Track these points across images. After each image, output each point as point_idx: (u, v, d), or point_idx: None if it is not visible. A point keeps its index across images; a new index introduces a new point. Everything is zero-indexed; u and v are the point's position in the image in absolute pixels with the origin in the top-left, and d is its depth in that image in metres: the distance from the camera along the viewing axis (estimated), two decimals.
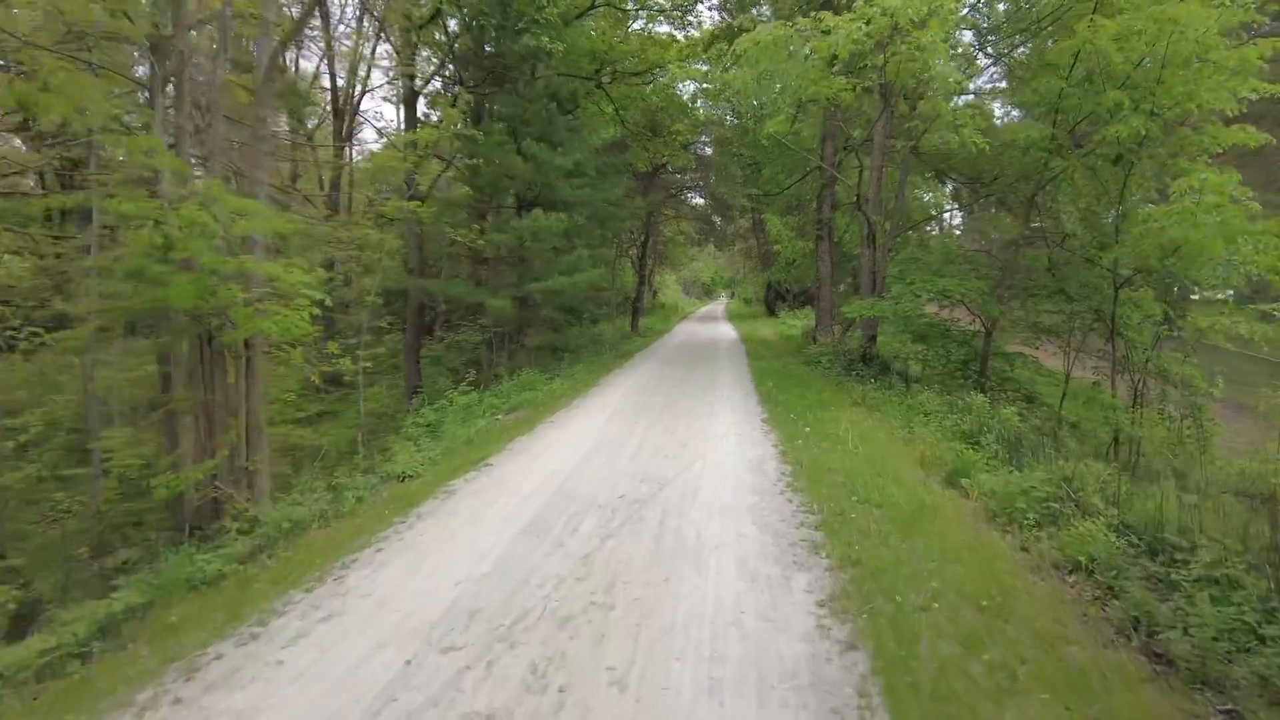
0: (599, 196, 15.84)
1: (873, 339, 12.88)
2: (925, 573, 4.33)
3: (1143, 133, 8.19)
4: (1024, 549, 4.75)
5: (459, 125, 15.47)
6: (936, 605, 3.88)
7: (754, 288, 50.48)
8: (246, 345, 7.12)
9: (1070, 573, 4.30)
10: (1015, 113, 18.19)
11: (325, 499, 6.61)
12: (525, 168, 14.80)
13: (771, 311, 39.40)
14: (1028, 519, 5.00)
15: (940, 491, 6.04)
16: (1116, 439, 10.30)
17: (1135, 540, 4.37)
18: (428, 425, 11.15)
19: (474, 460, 7.41)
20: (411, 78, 16.54)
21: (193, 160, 6.52)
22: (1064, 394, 13.06)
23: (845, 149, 17.52)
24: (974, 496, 5.84)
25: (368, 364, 16.10)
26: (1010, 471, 5.99)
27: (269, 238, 7.44)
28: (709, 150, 30.29)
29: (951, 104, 11.05)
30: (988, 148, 10.19)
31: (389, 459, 8.33)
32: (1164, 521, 4.47)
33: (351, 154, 23.04)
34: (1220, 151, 9.23)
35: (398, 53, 17.79)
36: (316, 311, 6.71)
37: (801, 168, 18.16)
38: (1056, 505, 5.04)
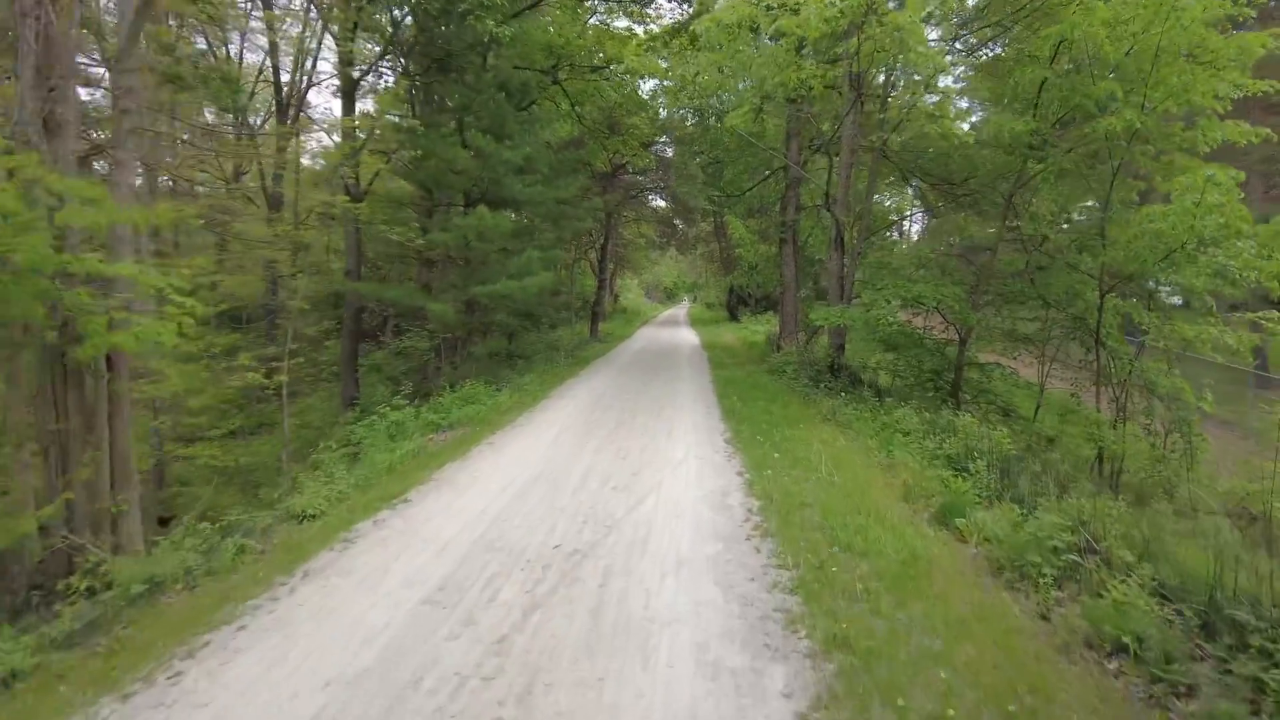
0: (552, 194, 14.80)
1: (841, 348, 12.11)
2: (930, 655, 3.41)
3: (1136, 126, 7.51)
4: (1044, 617, 3.88)
5: (401, 116, 14.34)
6: (952, 713, 2.96)
7: (716, 292, 49.91)
8: (109, 362, 5.91)
9: (1110, 655, 3.43)
10: (980, 113, 17.76)
11: (202, 548, 5.46)
12: (471, 162, 13.69)
13: (734, 316, 38.78)
14: (1043, 575, 4.14)
15: (932, 534, 5.17)
16: (1100, 456, 9.67)
17: (1184, 611, 3.53)
18: (353, 445, 10.00)
19: (390, 495, 6.30)
20: (349, 64, 15.28)
21: (33, 138, 5.31)
22: (1039, 406, 12.48)
23: (811, 148, 16.81)
24: (972, 541, 4.98)
25: (304, 371, 14.89)
26: (1013, 510, 5.14)
27: (140, 232, 6.25)
28: (670, 152, 29.53)
29: (925, 98, 10.32)
30: (971, 140, 9.46)
31: (297, 490, 7.18)
32: (1215, 582, 3.65)
33: (298, 149, 21.60)
34: (1209, 150, 8.66)
35: (334, 37, 16.54)
36: (191, 320, 5.54)
37: (765, 167, 17.40)
38: (1076, 557, 4.19)
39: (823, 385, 11.67)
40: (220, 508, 9.64)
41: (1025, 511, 5.19)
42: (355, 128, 14.34)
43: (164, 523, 11.57)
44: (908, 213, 22.53)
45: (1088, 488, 6.66)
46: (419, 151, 14.23)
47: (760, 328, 30.06)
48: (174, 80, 14.86)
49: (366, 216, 15.00)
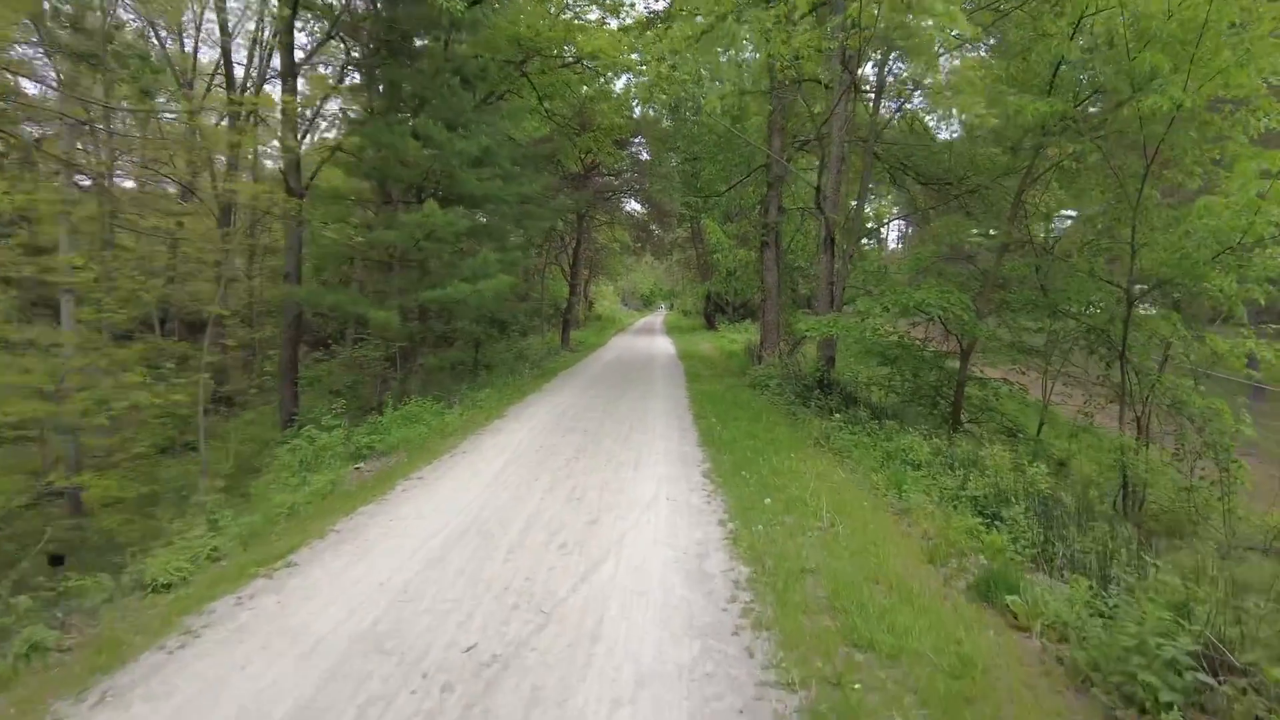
0: (513, 191, 13.43)
1: (831, 361, 10.91)
2: None
3: (1186, 104, 6.38)
4: None
5: (345, 100, 12.92)
6: None
7: (692, 299, 48.80)
8: None
9: None
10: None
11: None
12: (421, 154, 12.32)
13: (711, 324, 37.63)
14: (1163, 704, 2.88)
15: (977, 617, 3.90)
16: (1125, 485, 8.54)
17: None
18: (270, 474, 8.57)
19: (274, 556, 4.88)
20: (290, 48, 13.80)
21: None
22: (1042, 423, 11.36)
23: (796, 144, 15.67)
24: (1035, 629, 3.72)
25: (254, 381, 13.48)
26: (1082, 583, 3.89)
27: None
28: (645, 155, 28.34)
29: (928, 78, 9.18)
30: (982, 125, 8.32)
31: (168, 542, 5.71)
32: None
33: (252, 142, 19.98)
34: (1252, 137, 7.60)
35: (274, 17, 15.06)
36: None
37: (745, 165, 16.21)
38: (1204, 676, 2.94)
39: (811, 403, 10.43)
40: (121, 543, 8.20)
41: (1096, 586, 3.96)
42: (296, 107, 12.87)
43: (57, 561, 9.93)
44: (892, 216, 21.50)
45: (1127, 532, 5.49)
46: (366, 144, 12.89)
47: (738, 336, 28.93)
48: (86, 59, 13.34)
49: (309, 215, 13.55)
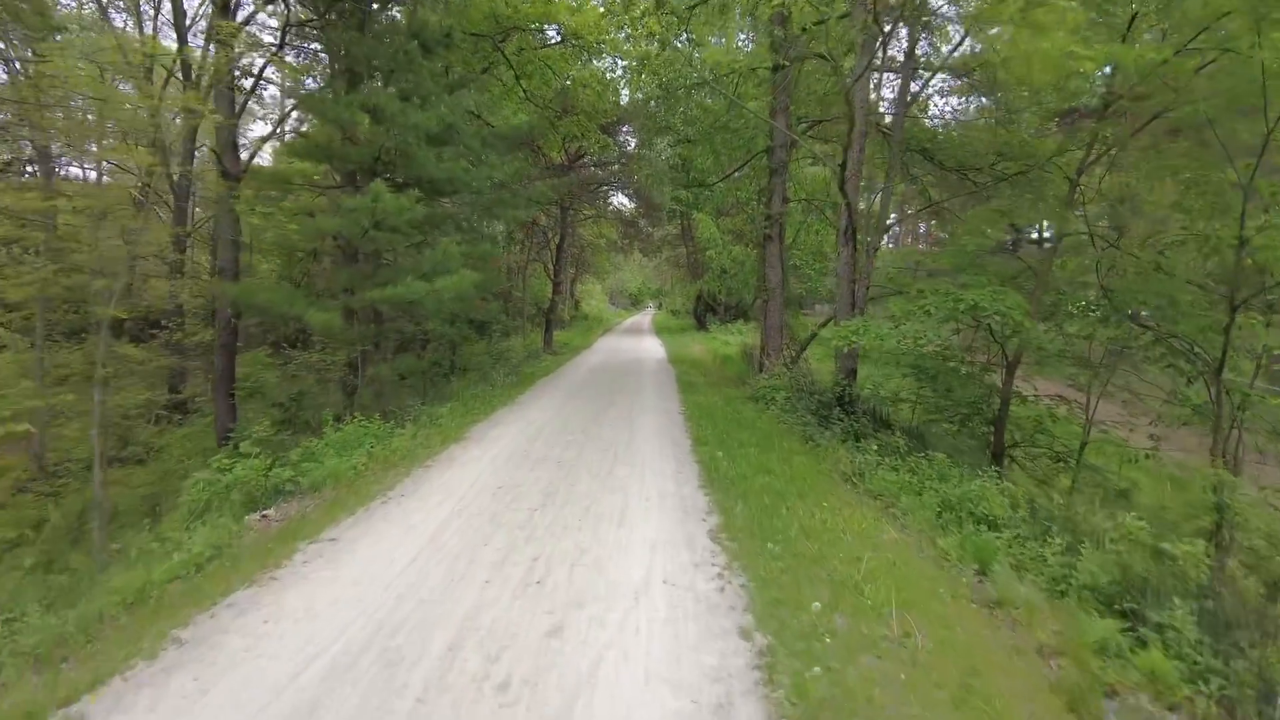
0: (482, 176, 11.67)
1: (853, 373, 9.24)
2: None
3: None
4: None
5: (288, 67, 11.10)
6: None
7: (682, 299, 47.15)
8: None
9: None
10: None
11: None
12: (372, 128, 10.57)
13: (701, 325, 35.97)
14: None
15: None
16: (1219, 526, 6.93)
17: None
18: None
19: (58, 700, 3.15)
20: (225, 5, 11.96)
21: None
22: (1083, 445, 9.77)
23: (804, 125, 14.02)
24: None
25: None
26: None
27: None
28: (632, 145, 26.63)
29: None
30: (1091, 67, 6.68)
31: None
32: None
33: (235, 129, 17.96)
34: None
35: None
36: None
37: (745, 150, 14.53)
38: None
39: (832, 424, 8.78)
40: None
41: None
42: (227, 64, 11.03)
43: None
44: (921, 207, 19.88)
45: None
46: (311, 117, 11.12)
47: (731, 338, 27.30)
48: None
49: (245, 200, 11.73)
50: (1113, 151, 8.01)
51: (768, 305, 13.63)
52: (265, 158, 19.37)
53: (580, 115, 17.67)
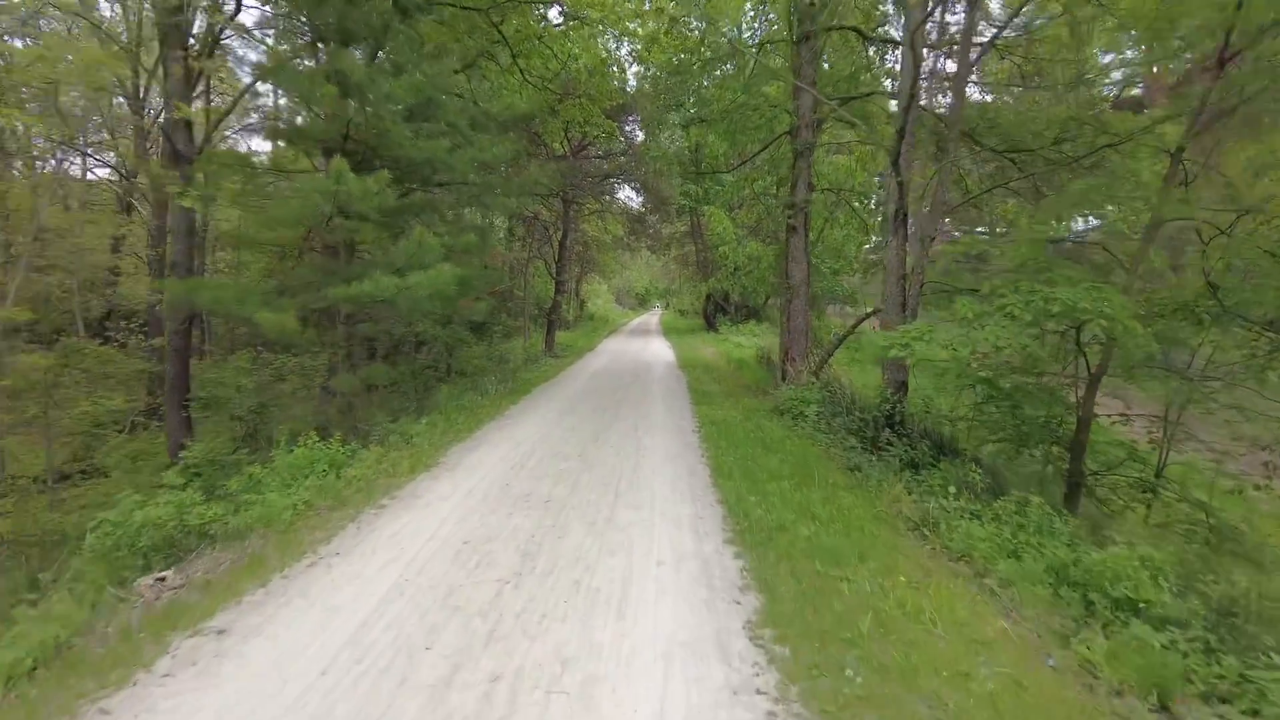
0: (467, 158, 10.20)
1: (902, 387, 7.72)
2: None
3: None
4: None
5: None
6: None
7: (690, 299, 45.66)
8: None
9: None
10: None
11: None
12: (340, 101, 9.14)
13: (711, 325, 34.45)
14: None
15: None
16: None
17: None
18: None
19: None
20: None
21: None
22: (1159, 469, 8.21)
23: (834, 102, 12.49)
24: None
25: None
26: None
27: None
28: (639, 136, 25.16)
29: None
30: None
31: None
32: None
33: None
34: None
35: None
36: None
37: (766, 130, 13.02)
38: None
39: (881, 448, 7.27)
40: None
41: None
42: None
43: None
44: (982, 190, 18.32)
45: None
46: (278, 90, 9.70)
47: (744, 340, 25.79)
48: None
49: (195, 187, 10.30)
50: (1221, 119, 6.48)
51: (791, 305, 12.12)
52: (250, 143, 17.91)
53: (583, 99, 16.18)
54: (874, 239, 17.51)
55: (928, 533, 5.24)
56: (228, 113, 10.84)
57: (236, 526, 5.68)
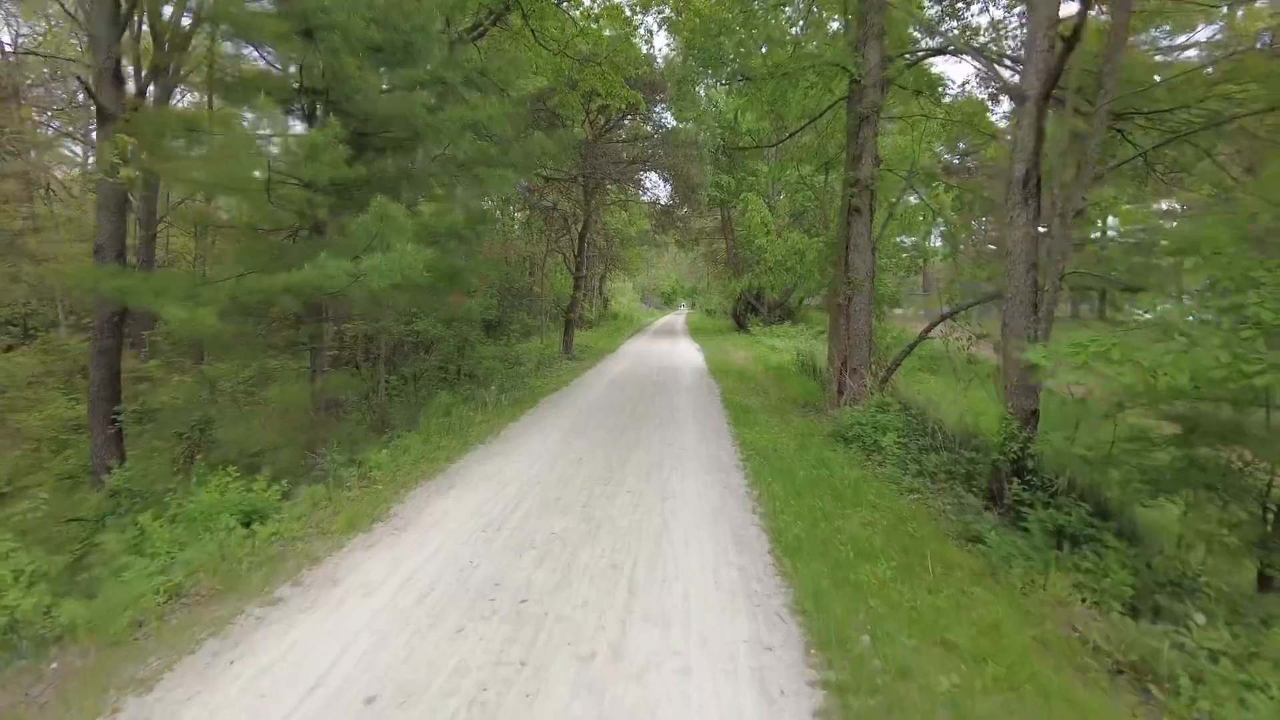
0: (452, 119, 8.17)
1: (1032, 419, 5.48)
2: None
3: None
4: None
5: None
6: None
7: (719, 297, 43.39)
8: None
9: None
10: None
11: None
12: (294, 41, 7.19)
13: (741, 326, 32.16)
14: None
15: None
16: None
17: None
18: None
19: None
20: None
21: None
22: None
23: (913, 56, 10.26)
24: None
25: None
26: None
27: None
28: (669, 117, 23.06)
29: None
30: None
31: None
32: None
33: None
34: None
35: None
36: None
37: (819, 97, 10.82)
38: None
39: (1009, 508, 5.09)
40: None
41: None
42: None
43: None
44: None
45: None
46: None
47: (781, 343, 23.52)
48: None
49: (120, 147, 8.42)
50: None
51: (850, 304, 9.92)
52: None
53: (604, 66, 14.13)
54: (938, 224, 15.26)
55: (1159, 692, 3.06)
56: (168, 63, 8.97)
57: (62, 625, 3.76)
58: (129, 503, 7.19)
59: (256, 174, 6.79)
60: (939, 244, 17.58)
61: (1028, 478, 5.26)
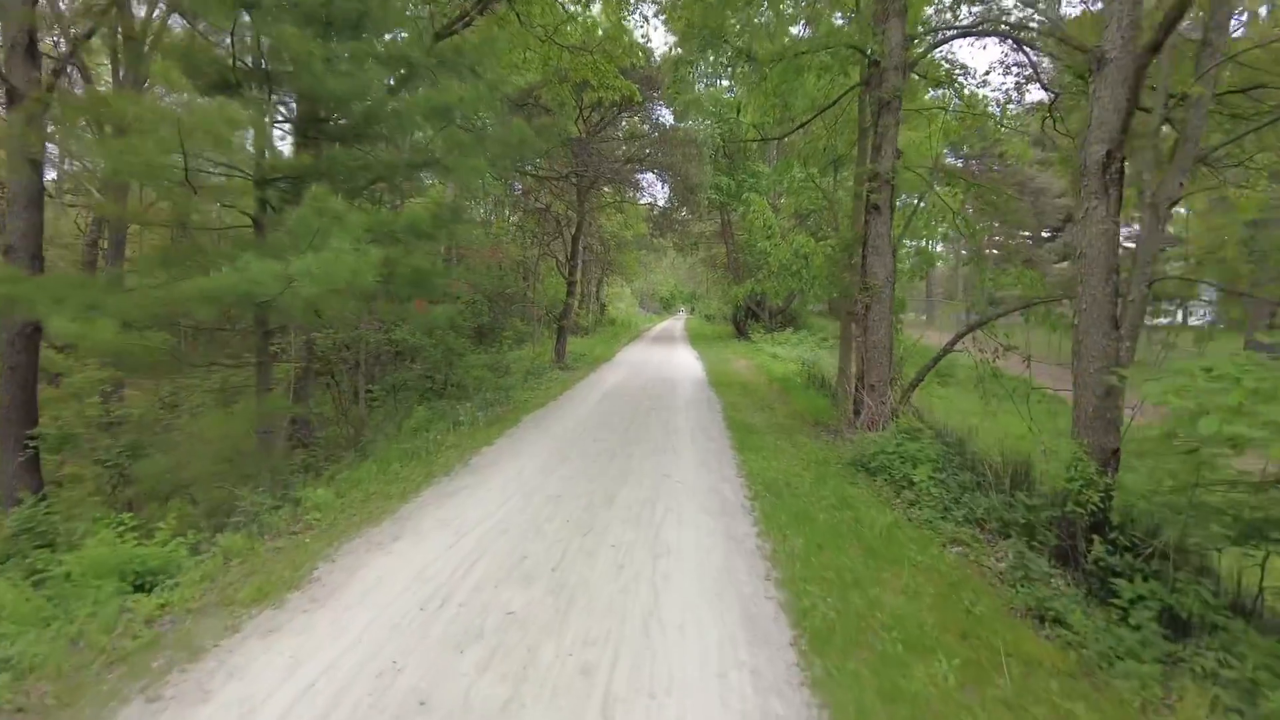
0: (420, 101, 7.11)
1: (1113, 461, 4.40)
2: None
3: None
4: None
5: None
6: None
7: (718, 303, 42.33)
8: None
9: None
10: None
11: None
12: (229, 5, 6.15)
13: (741, 332, 31.08)
14: None
15: None
16: None
17: None
18: None
19: None
20: None
21: None
22: None
23: (941, 32, 9.25)
24: None
25: None
26: None
27: None
28: (666, 115, 22.06)
29: None
30: None
31: None
32: None
33: None
34: None
35: None
36: None
37: (838, 72, 9.78)
38: None
39: (1087, 575, 4.02)
40: None
41: None
42: None
43: None
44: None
45: None
46: None
47: (783, 351, 22.48)
48: None
49: (32, 128, 7.35)
50: None
51: (869, 311, 8.87)
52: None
53: (595, 55, 13.11)
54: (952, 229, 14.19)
55: None
56: (88, 37, 7.87)
57: None
58: (29, 545, 6.15)
59: (176, 161, 5.72)
60: (939, 248, 16.54)
61: (1112, 535, 4.18)
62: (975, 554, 4.80)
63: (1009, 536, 4.93)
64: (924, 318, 40.31)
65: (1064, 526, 4.44)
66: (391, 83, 6.84)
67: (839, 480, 6.69)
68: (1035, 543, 4.63)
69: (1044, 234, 45.35)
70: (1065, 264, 39.32)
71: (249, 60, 6.15)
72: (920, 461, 6.29)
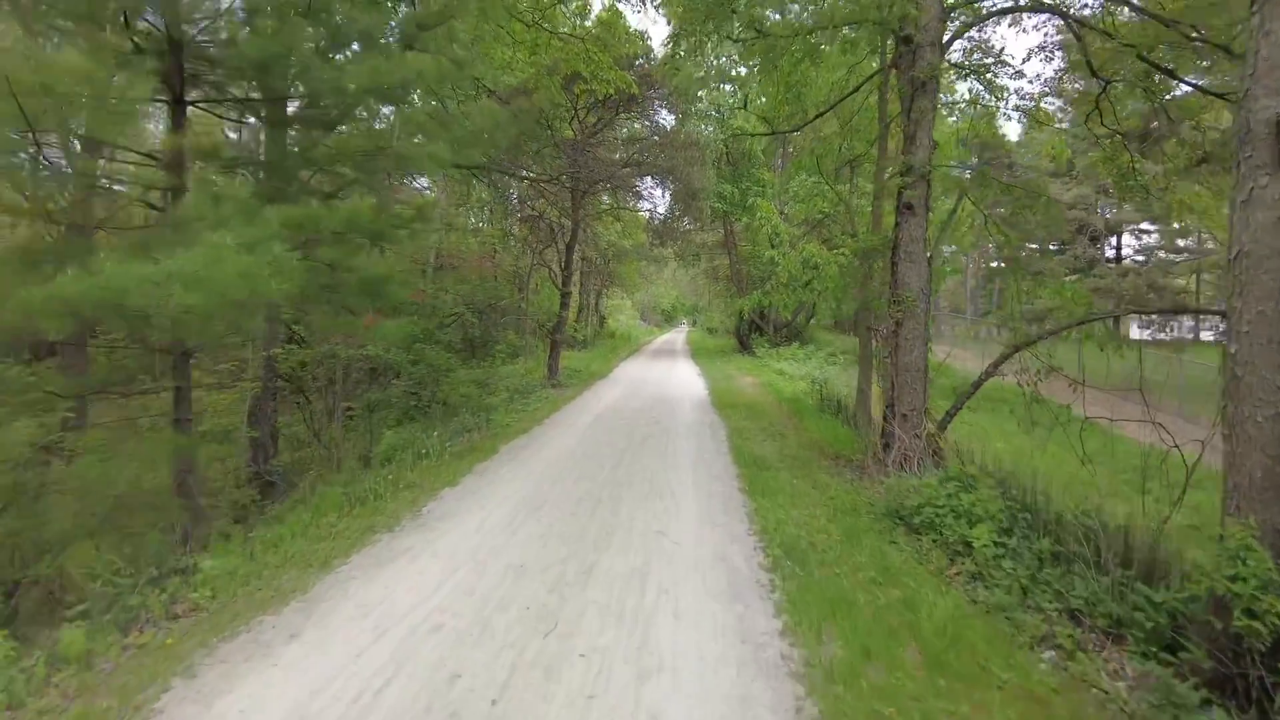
0: (365, 70, 5.89)
1: None
2: None
3: None
4: None
5: None
6: None
7: (721, 315, 41.07)
8: None
9: None
10: None
11: None
12: None
13: (744, 346, 29.76)
14: None
15: None
16: None
17: None
18: None
19: None
20: None
21: None
22: None
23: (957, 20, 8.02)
24: None
25: None
26: None
27: None
28: (666, 115, 20.92)
29: None
30: None
31: None
32: None
33: None
34: None
35: None
36: None
37: (846, 77, 8.55)
38: None
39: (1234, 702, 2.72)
40: None
41: None
42: None
43: None
44: None
45: None
46: None
47: (790, 367, 21.17)
48: None
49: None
50: None
51: (900, 328, 7.59)
52: None
53: (588, 43, 11.93)
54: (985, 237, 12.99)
55: None
56: None
57: None
58: None
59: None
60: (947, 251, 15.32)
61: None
62: (1080, 666, 3.49)
63: (1121, 638, 3.63)
64: (930, 332, 39.13)
65: (1219, 639, 3.13)
66: (323, 44, 5.63)
67: (875, 538, 5.38)
68: (1171, 657, 3.32)
69: (1051, 247, 44.08)
70: (1074, 277, 38.09)
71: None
72: (977, 519, 4.98)
